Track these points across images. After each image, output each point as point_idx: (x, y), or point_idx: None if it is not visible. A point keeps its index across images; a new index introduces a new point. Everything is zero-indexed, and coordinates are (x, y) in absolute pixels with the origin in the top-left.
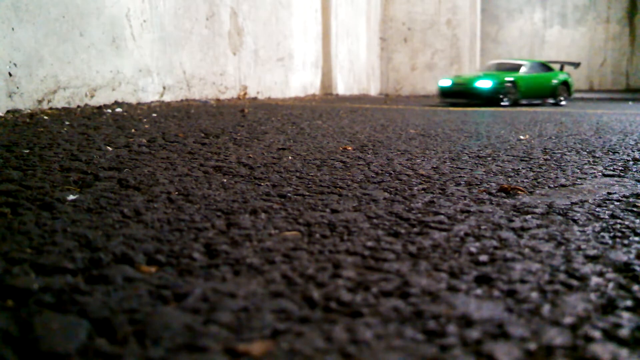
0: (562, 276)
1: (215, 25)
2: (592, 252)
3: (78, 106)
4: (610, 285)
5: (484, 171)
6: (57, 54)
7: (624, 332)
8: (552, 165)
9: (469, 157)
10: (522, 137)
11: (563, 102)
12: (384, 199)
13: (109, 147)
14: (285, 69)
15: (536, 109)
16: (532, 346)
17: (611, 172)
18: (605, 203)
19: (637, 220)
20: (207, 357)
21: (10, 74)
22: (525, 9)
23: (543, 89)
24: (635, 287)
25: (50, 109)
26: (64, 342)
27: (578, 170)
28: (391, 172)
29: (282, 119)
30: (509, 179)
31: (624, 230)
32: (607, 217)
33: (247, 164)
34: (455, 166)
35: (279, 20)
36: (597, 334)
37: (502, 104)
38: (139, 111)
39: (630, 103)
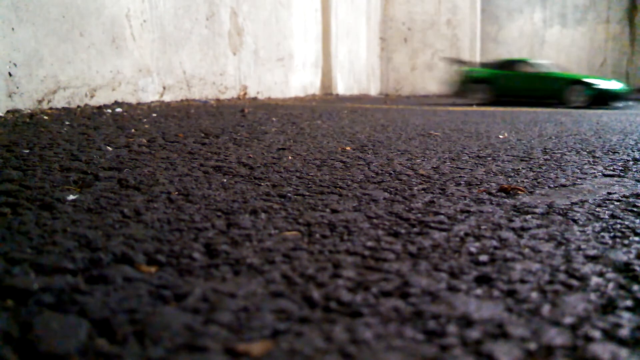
0: (562, 276)
1: (215, 25)
2: (592, 252)
3: (78, 106)
4: (610, 285)
5: (484, 171)
6: (57, 54)
7: (624, 332)
8: (552, 165)
9: (469, 157)
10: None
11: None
12: (384, 199)
13: (109, 147)
14: (285, 69)
15: (536, 109)
16: (532, 346)
17: (611, 172)
18: (605, 203)
19: (637, 220)
20: (207, 357)
21: (10, 74)
22: (525, 9)
23: None
24: (635, 287)
25: (50, 109)
26: (64, 342)
27: (578, 170)
28: (391, 172)
29: (282, 119)
30: (509, 179)
31: (624, 230)
32: (607, 217)
33: (247, 164)
34: (455, 166)
35: (279, 20)
36: (597, 334)
37: None
38: (139, 111)
39: (630, 103)
